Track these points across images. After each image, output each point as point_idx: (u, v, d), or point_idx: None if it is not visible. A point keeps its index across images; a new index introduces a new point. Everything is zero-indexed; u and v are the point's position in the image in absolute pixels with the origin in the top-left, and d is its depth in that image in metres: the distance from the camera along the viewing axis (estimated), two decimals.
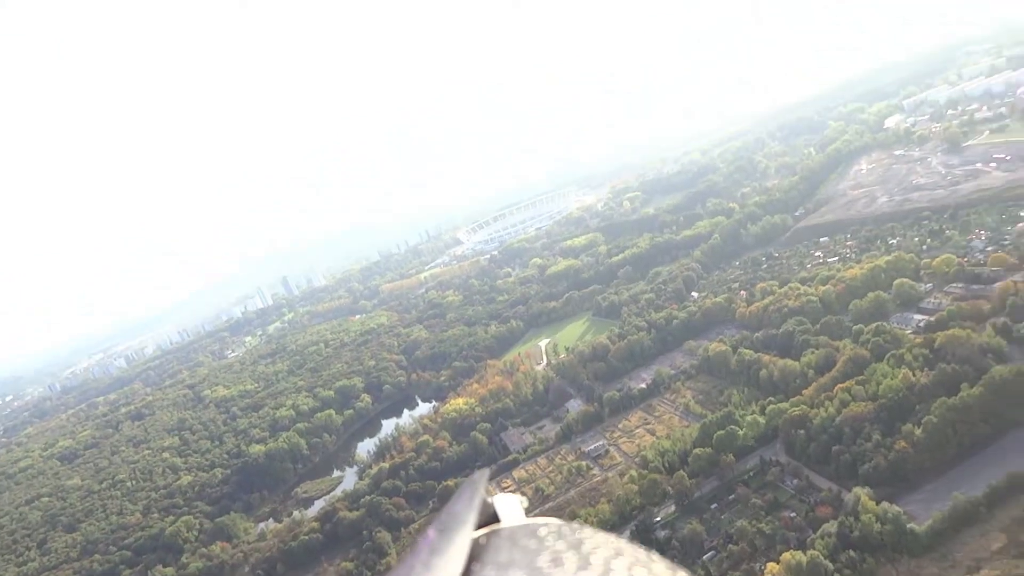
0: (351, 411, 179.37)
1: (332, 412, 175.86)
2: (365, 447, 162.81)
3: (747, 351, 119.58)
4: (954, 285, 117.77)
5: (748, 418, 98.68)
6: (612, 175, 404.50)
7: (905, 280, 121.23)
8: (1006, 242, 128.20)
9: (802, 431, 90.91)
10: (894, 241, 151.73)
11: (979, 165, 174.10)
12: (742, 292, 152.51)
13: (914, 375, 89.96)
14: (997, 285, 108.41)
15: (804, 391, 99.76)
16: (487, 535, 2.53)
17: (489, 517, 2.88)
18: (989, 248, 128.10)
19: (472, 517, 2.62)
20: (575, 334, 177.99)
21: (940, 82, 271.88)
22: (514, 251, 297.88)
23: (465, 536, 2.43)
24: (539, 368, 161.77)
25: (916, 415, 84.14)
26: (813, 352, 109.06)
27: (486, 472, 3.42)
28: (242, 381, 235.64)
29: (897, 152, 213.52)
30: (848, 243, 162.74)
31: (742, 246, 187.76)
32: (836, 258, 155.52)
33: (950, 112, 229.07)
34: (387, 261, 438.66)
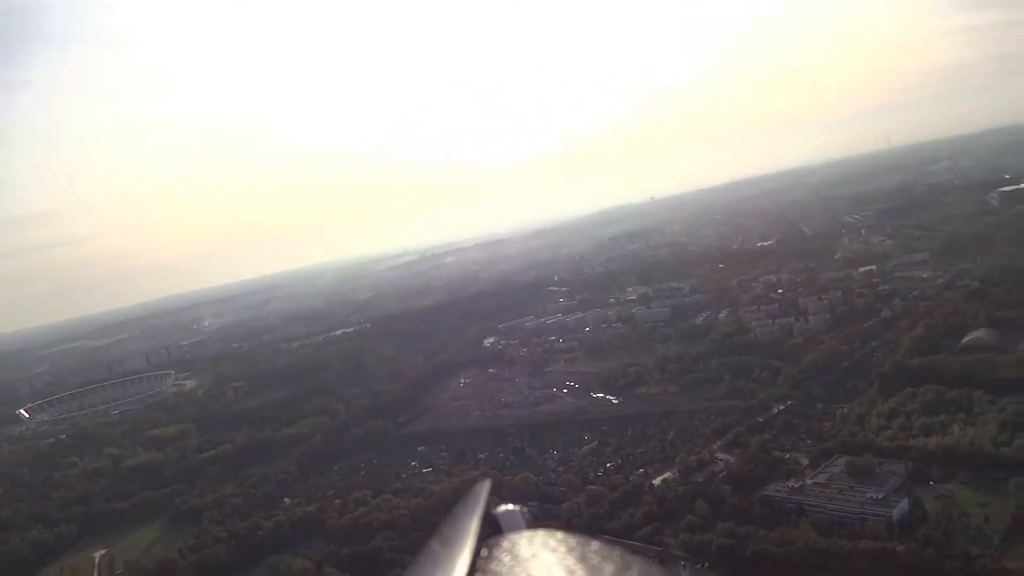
0: None
1: None
2: None
3: (332, 570, 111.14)
4: (531, 503, 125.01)
5: None
6: (219, 359, 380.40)
7: (490, 497, 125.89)
8: (573, 463, 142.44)
9: None
10: (483, 455, 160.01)
11: (555, 390, 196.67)
12: (337, 500, 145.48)
13: None
14: (564, 505, 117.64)
15: None
16: (490, 546, 2.68)
17: (492, 528, 3.09)
18: (560, 468, 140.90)
19: (475, 528, 2.80)
20: (142, 543, 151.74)
21: (529, 313, 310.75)
22: (88, 436, 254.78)
23: (468, 547, 2.58)
24: None
25: None
26: (399, 572, 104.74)
27: (488, 484, 3.57)
28: None
29: (491, 370, 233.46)
30: (443, 454, 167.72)
31: (344, 450, 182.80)
32: (430, 468, 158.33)
33: (535, 340, 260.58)
34: None
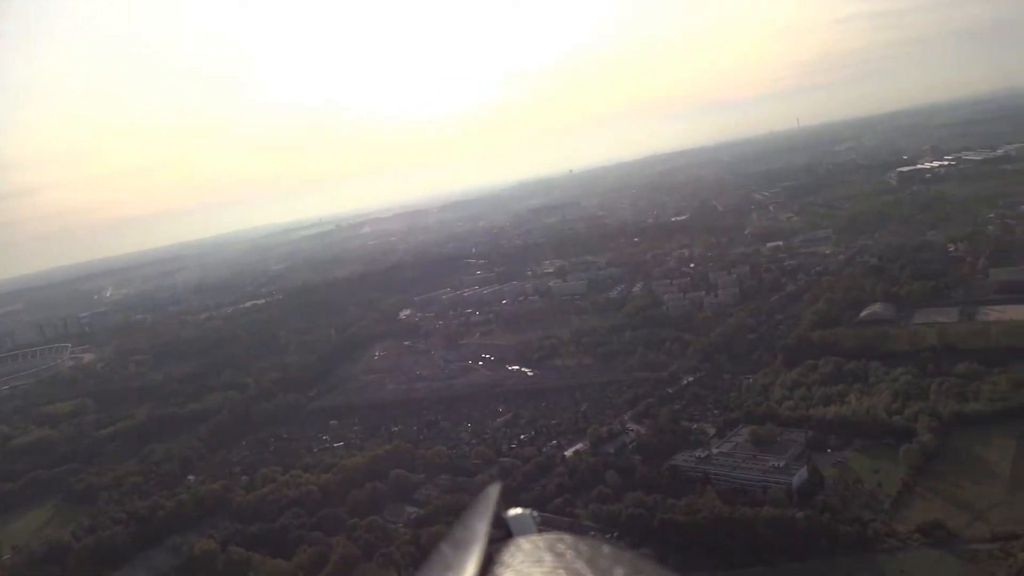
0: None
1: None
2: None
3: (237, 549, 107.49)
4: (443, 476, 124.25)
5: None
6: (121, 331, 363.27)
7: (402, 471, 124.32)
8: (487, 435, 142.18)
9: None
10: (396, 429, 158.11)
11: (470, 362, 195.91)
12: (244, 477, 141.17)
13: None
14: (477, 478, 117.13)
15: None
16: (501, 550, 2.67)
17: (503, 532, 3.08)
18: (473, 440, 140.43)
19: (485, 532, 2.79)
20: (33, 526, 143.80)
21: (446, 285, 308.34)
22: None
23: (479, 551, 2.57)
24: None
25: None
26: (306, 550, 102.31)
27: (498, 487, 3.61)
28: None
29: (406, 343, 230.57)
30: (355, 428, 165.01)
31: (253, 425, 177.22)
32: (342, 443, 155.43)
33: (451, 312, 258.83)
34: None
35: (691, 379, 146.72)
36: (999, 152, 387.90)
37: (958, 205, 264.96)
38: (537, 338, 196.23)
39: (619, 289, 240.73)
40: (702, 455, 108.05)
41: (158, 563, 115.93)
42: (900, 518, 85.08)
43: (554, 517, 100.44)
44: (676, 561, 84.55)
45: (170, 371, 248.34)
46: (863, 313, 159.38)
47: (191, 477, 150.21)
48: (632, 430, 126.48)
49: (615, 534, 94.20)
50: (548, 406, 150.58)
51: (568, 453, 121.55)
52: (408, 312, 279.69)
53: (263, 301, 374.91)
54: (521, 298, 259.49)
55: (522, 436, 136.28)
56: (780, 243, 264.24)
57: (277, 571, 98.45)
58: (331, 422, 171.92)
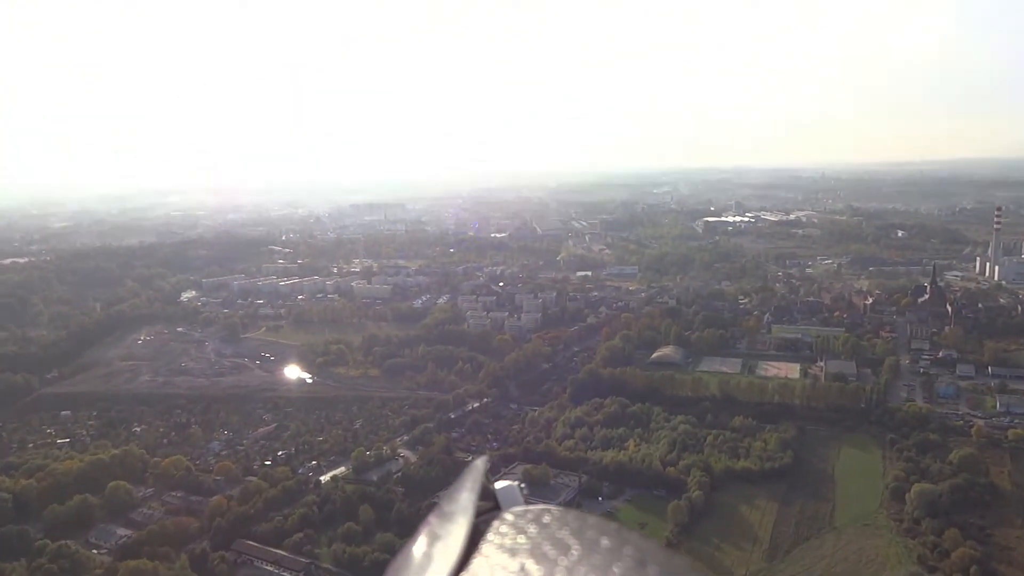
0: None
1: None
2: None
3: None
4: (175, 493, 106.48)
5: None
6: None
7: (121, 483, 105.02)
8: (241, 447, 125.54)
9: None
10: (140, 428, 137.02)
11: (247, 360, 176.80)
12: None
13: None
14: (213, 499, 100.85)
15: None
16: (489, 521, 2.78)
17: (490, 504, 3.17)
18: (225, 452, 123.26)
19: (473, 503, 2.90)
20: None
21: (241, 271, 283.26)
22: None
23: (466, 522, 2.68)
24: None
25: None
26: None
27: (486, 459, 3.71)
28: None
29: (180, 329, 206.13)
30: (91, 423, 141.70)
31: None
32: (69, 440, 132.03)
33: (240, 301, 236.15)
34: None
35: (476, 405, 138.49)
36: (791, 216, 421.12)
37: (752, 260, 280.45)
38: (325, 341, 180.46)
39: (424, 299, 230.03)
40: None
41: None
42: None
43: (288, 556, 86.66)
44: None
45: None
46: (655, 355, 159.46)
47: None
48: (402, 456, 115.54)
49: None
50: (319, 419, 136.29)
51: (325, 478, 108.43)
52: (192, 295, 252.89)
53: (25, 260, 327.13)
54: (320, 295, 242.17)
55: (281, 452, 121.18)
56: (589, 273, 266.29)
57: None
58: (63, 412, 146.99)
